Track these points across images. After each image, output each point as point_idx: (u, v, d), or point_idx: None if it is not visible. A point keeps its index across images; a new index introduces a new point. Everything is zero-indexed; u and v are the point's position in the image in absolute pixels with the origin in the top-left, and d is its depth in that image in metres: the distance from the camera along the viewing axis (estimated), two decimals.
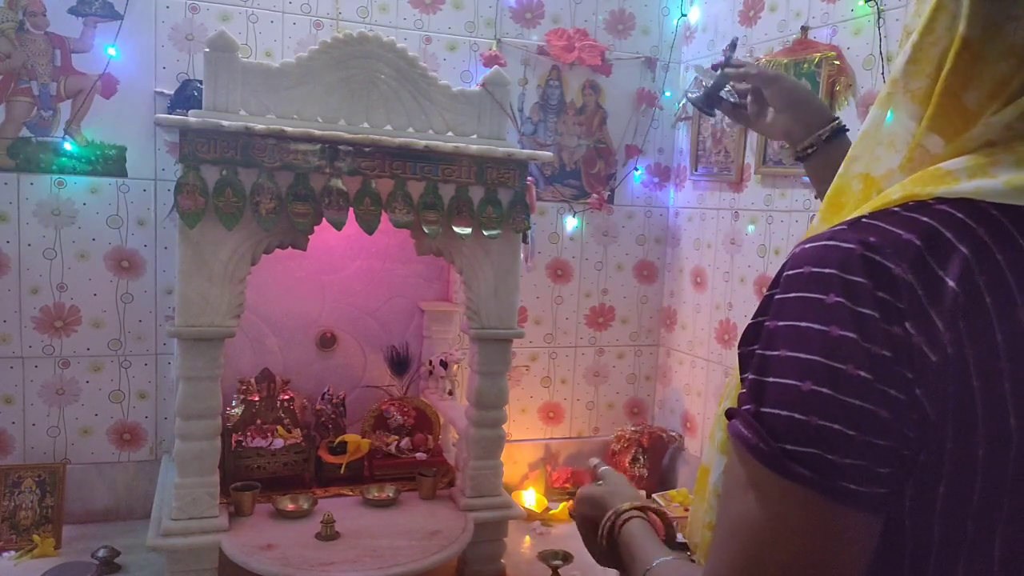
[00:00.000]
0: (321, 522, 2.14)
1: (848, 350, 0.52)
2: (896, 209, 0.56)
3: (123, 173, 2.59)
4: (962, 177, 0.56)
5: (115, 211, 2.60)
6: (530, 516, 2.84)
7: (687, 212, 3.14)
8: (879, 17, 2.18)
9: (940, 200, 0.56)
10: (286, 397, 2.54)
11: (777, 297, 0.57)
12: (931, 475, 0.54)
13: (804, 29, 2.45)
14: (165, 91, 2.55)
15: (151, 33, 2.57)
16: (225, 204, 1.99)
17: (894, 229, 0.54)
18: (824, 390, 0.52)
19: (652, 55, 3.13)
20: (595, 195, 3.10)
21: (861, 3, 2.24)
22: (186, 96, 2.37)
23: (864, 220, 0.56)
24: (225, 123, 1.96)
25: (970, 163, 0.56)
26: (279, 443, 2.41)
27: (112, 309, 2.63)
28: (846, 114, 2.29)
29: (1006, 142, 0.56)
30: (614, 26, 3.09)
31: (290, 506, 2.27)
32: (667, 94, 3.15)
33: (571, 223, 3.12)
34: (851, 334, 0.52)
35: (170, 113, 2.26)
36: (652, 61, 3.13)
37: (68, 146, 2.51)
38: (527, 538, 2.74)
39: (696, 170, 3.03)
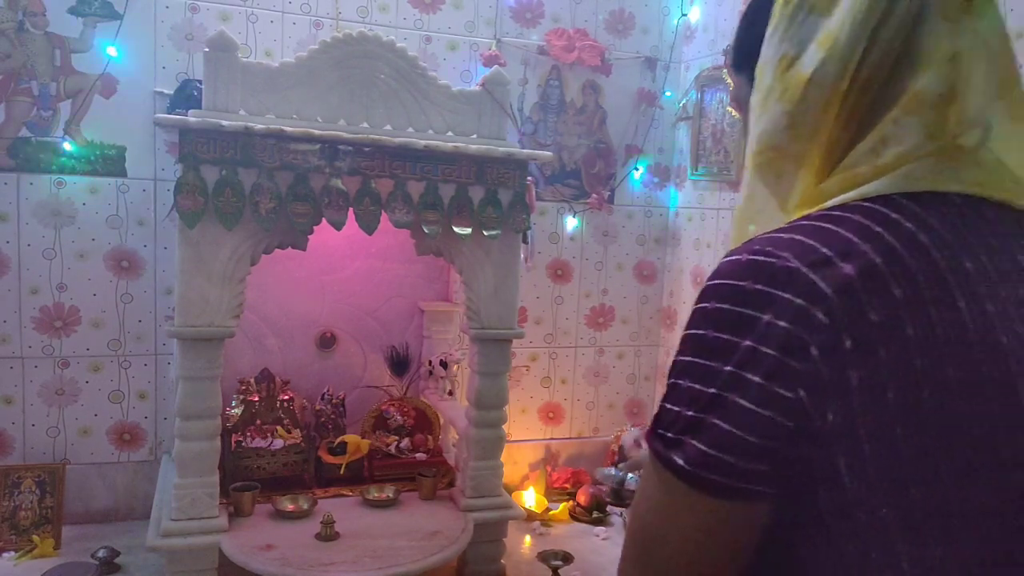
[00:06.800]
0: (321, 522, 2.14)
1: (727, 351, 0.57)
2: (787, 225, 0.62)
3: (123, 173, 2.59)
4: (846, 198, 0.62)
5: (115, 211, 2.60)
6: (530, 516, 2.84)
7: (687, 212, 3.14)
8: None
9: (829, 208, 0.62)
10: (286, 397, 2.53)
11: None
12: (833, 476, 0.56)
13: None
14: (165, 91, 2.55)
15: (151, 33, 2.57)
16: (225, 204, 1.99)
17: (785, 235, 0.59)
18: (696, 386, 0.58)
19: (652, 55, 3.13)
20: (595, 195, 3.09)
21: None
22: (186, 96, 2.36)
23: (758, 237, 0.61)
24: (225, 123, 1.96)
25: (846, 185, 0.63)
26: (279, 443, 2.40)
27: (112, 309, 2.63)
28: None
29: (868, 163, 0.62)
30: (614, 26, 3.09)
31: (290, 506, 2.27)
32: (667, 94, 3.15)
33: (571, 223, 3.12)
34: (730, 336, 0.57)
35: (170, 113, 2.26)
36: (652, 61, 3.13)
37: (68, 146, 2.51)
38: (527, 538, 2.74)
39: (696, 170, 3.02)
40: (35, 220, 2.52)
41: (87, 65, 2.52)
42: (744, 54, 0.75)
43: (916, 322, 0.54)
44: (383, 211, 2.14)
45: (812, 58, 0.65)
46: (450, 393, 2.81)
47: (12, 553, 2.38)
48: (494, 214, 2.25)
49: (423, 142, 2.14)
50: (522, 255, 2.43)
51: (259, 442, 2.39)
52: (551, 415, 3.21)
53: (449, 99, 2.25)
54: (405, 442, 2.60)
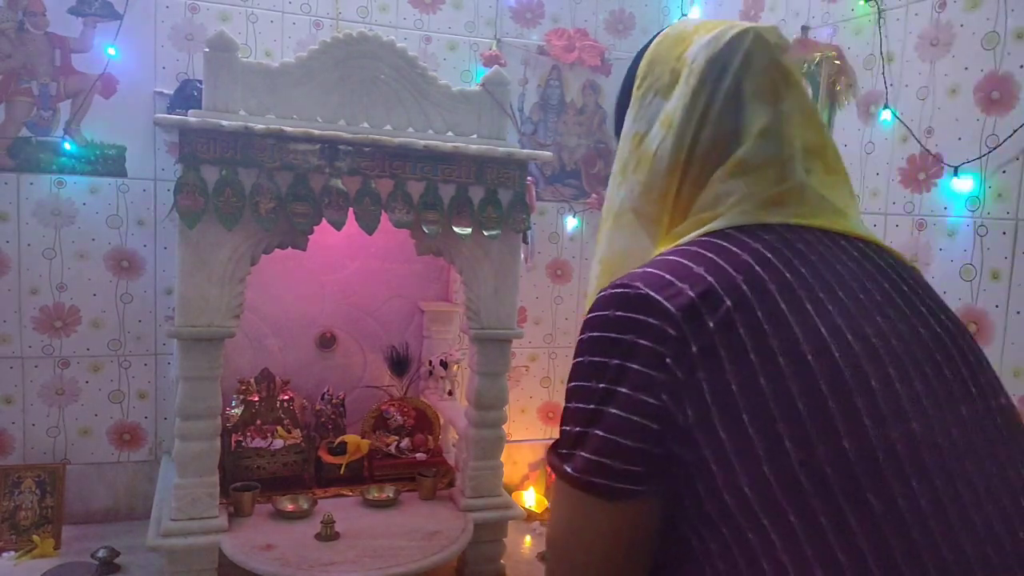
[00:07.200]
0: (321, 522, 2.14)
1: (599, 371, 0.67)
2: (645, 262, 0.74)
3: (123, 173, 2.59)
4: (692, 237, 0.75)
5: (115, 211, 2.60)
6: (530, 516, 2.84)
7: None
8: (880, 17, 2.18)
9: (677, 245, 0.74)
10: (286, 397, 2.53)
11: None
12: (704, 469, 0.64)
13: (804, 29, 2.45)
14: (165, 91, 2.55)
15: (151, 33, 2.57)
16: (225, 204, 1.99)
17: (640, 269, 0.71)
18: (580, 405, 0.68)
19: None
20: (595, 195, 3.09)
21: (861, 3, 2.23)
22: (186, 96, 2.36)
23: (624, 275, 0.72)
24: (225, 123, 1.96)
25: (693, 227, 0.75)
26: (279, 443, 2.40)
27: (112, 309, 2.63)
28: (846, 114, 2.29)
29: (709, 211, 0.75)
30: (614, 26, 3.09)
31: (290, 506, 2.27)
32: None
33: (571, 223, 3.11)
34: (602, 358, 0.67)
35: (170, 113, 2.26)
36: None
37: (68, 146, 2.51)
38: (527, 538, 2.74)
39: None
40: (35, 220, 2.52)
41: (87, 65, 2.52)
42: (620, 124, 0.89)
43: (746, 324, 0.64)
44: (383, 211, 2.14)
45: (656, 135, 0.79)
46: (450, 393, 2.81)
47: (12, 553, 2.38)
48: (494, 214, 2.25)
49: (423, 142, 2.14)
50: (522, 255, 2.43)
51: (259, 442, 2.39)
52: (551, 415, 3.21)
53: (449, 99, 2.25)
54: (405, 442, 2.60)
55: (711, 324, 0.64)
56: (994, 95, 1.86)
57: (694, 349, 0.63)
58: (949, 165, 1.94)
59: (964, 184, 1.90)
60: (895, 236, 2.10)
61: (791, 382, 0.62)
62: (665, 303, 0.65)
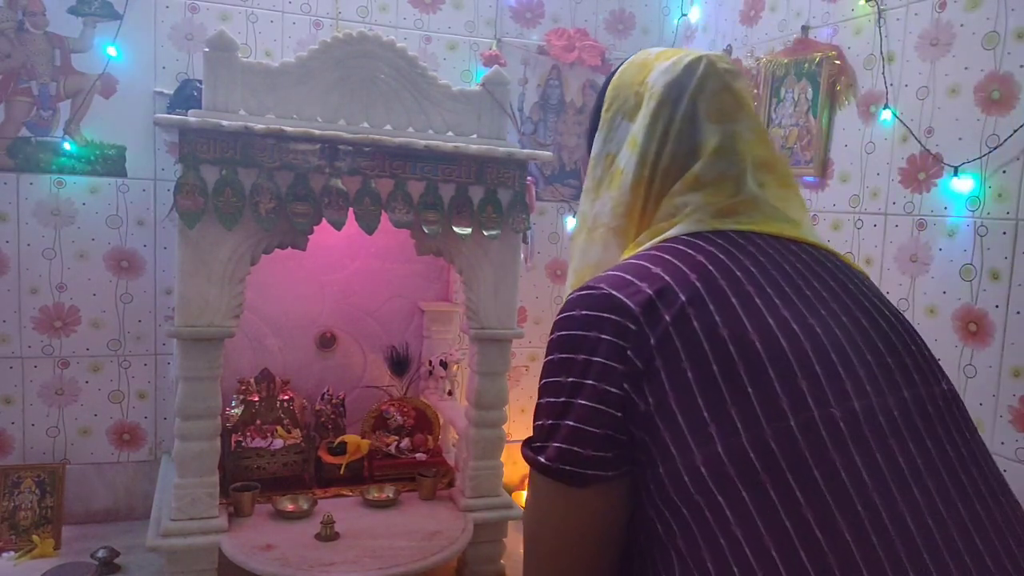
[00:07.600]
0: (321, 522, 2.14)
1: (569, 366, 0.73)
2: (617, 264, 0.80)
3: (123, 173, 2.59)
4: (652, 244, 0.81)
5: (114, 211, 2.60)
6: None
7: None
8: (880, 17, 2.18)
9: (639, 250, 0.81)
10: (286, 397, 2.53)
11: None
12: (659, 452, 0.69)
13: (805, 29, 2.45)
14: (165, 91, 2.55)
15: (151, 33, 2.57)
16: (225, 204, 1.99)
17: (605, 272, 0.77)
18: (551, 400, 0.75)
19: None
20: None
21: (862, 3, 2.24)
22: (186, 96, 2.36)
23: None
24: (225, 123, 1.96)
25: (653, 235, 0.82)
26: (279, 443, 2.40)
27: (111, 309, 2.63)
28: (847, 114, 2.30)
29: (667, 220, 0.82)
30: (614, 26, 3.09)
31: (290, 506, 2.27)
32: None
33: (571, 223, 3.11)
34: (570, 354, 0.73)
35: (170, 113, 2.26)
36: None
37: (68, 146, 2.51)
38: None
39: None
40: (35, 220, 2.52)
41: (87, 65, 2.52)
42: (591, 145, 0.96)
43: (700, 317, 0.70)
44: (383, 211, 2.14)
45: (625, 155, 0.87)
46: (450, 393, 2.81)
47: (12, 553, 2.38)
48: (494, 214, 2.25)
49: (423, 142, 2.14)
50: (522, 255, 2.43)
51: (259, 442, 2.39)
52: None
53: (449, 99, 2.25)
54: (405, 442, 2.60)
55: (667, 317, 0.70)
56: (994, 95, 1.86)
57: (652, 341, 0.69)
58: (949, 165, 1.94)
59: (964, 184, 1.90)
60: (895, 236, 2.10)
61: (741, 368, 0.68)
62: (626, 300, 0.72)
